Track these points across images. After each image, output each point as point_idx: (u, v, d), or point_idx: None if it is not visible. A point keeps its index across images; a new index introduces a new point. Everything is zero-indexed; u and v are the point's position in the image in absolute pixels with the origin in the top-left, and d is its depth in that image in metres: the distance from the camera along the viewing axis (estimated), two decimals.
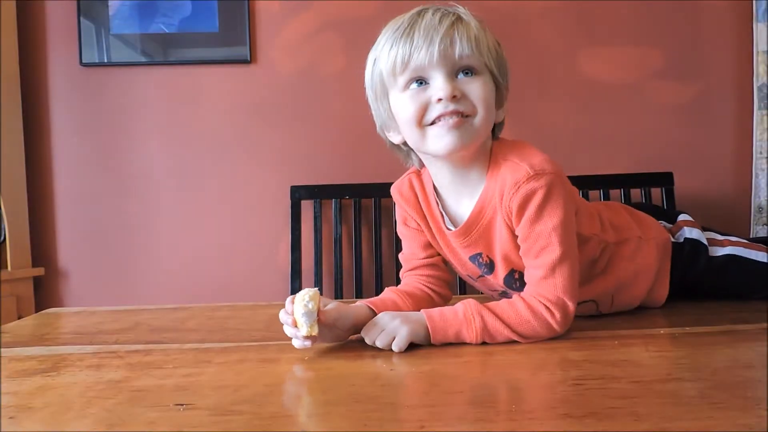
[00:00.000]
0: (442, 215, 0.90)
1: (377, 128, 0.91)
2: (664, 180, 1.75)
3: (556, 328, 0.78)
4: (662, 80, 1.83)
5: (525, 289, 0.82)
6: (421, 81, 0.80)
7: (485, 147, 0.85)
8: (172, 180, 1.83)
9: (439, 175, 0.88)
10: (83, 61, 1.79)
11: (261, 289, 1.82)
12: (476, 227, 0.86)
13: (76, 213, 1.83)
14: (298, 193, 1.74)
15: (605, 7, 1.82)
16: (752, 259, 1.03)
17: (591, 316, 0.93)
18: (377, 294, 1.75)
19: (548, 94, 1.81)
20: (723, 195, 1.84)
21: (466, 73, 0.79)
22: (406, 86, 0.81)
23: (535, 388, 0.62)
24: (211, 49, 1.80)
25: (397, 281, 1.67)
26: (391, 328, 0.75)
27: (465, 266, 0.94)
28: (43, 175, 1.82)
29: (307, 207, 1.76)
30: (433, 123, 0.80)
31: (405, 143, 0.87)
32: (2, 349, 0.83)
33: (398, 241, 1.73)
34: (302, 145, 1.83)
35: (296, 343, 0.75)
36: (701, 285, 1.03)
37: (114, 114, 1.82)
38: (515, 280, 0.88)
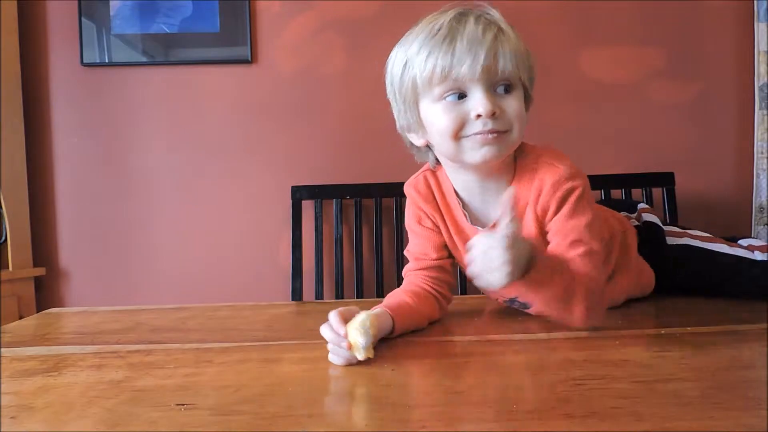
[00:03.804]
0: (465, 215, 0.90)
1: (397, 127, 0.89)
2: (665, 180, 1.75)
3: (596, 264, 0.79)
4: (663, 80, 1.83)
5: None
6: (459, 93, 0.78)
7: (511, 154, 0.86)
8: (174, 180, 1.83)
9: (465, 182, 0.89)
10: (84, 61, 1.79)
11: (262, 289, 1.82)
12: None
13: (77, 213, 1.83)
14: (299, 193, 1.74)
15: (606, 6, 1.82)
16: (706, 249, 1.07)
17: None
18: (378, 294, 1.76)
19: (549, 94, 1.81)
20: (724, 195, 1.84)
21: (504, 89, 0.79)
22: (442, 97, 0.79)
23: (536, 387, 0.62)
24: (212, 49, 1.80)
25: (398, 280, 1.67)
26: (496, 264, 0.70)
27: None
28: (45, 175, 1.83)
29: (307, 207, 1.76)
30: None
31: (427, 145, 0.88)
32: (3, 349, 0.83)
33: (399, 242, 1.75)
34: (303, 145, 1.83)
35: (338, 360, 0.72)
36: (664, 276, 1.05)
37: (115, 114, 1.82)
38: None
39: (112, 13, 1.78)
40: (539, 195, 0.83)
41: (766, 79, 1.78)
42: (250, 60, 1.80)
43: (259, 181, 1.83)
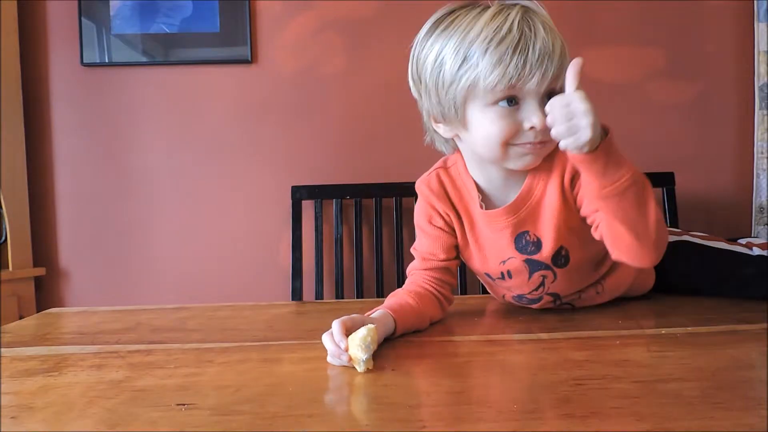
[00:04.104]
0: (482, 206, 0.90)
1: (424, 115, 0.88)
2: (666, 180, 1.75)
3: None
4: (663, 80, 1.83)
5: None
6: (513, 100, 0.78)
7: None
8: (173, 180, 1.83)
9: (488, 174, 0.89)
10: (84, 61, 1.79)
11: (262, 289, 1.82)
12: (526, 204, 0.87)
13: (77, 213, 1.83)
14: (299, 193, 1.74)
15: (606, 6, 1.82)
16: (703, 244, 1.07)
17: (591, 310, 0.94)
18: (378, 294, 1.75)
19: None
20: (724, 195, 1.84)
21: (549, 97, 0.78)
22: (495, 102, 0.78)
23: (536, 387, 0.62)
24: (212, 49, 1.80)
25: (398, 280, 1.67)
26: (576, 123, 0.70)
27: (486, 263, 0.93)
28: (45, 175, 1.83)
29: (307, 207, 1.76)
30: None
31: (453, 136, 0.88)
32: (4, 349, 0.83)
33: (399, 242, 1.75)
34: (303, 145, 1.83)
35: (337, 363, 0.71)
36: (664, 273, 1.05)
37: (115, 114, 1.82)
38: (562, 257, 0.89)
39: (112, 13, 1.78)
40: (564, 165, 0.84)
41: (766, 79, 1.78)
42: (250, 60, 1.80)
43: (259, 181, 1.83)
